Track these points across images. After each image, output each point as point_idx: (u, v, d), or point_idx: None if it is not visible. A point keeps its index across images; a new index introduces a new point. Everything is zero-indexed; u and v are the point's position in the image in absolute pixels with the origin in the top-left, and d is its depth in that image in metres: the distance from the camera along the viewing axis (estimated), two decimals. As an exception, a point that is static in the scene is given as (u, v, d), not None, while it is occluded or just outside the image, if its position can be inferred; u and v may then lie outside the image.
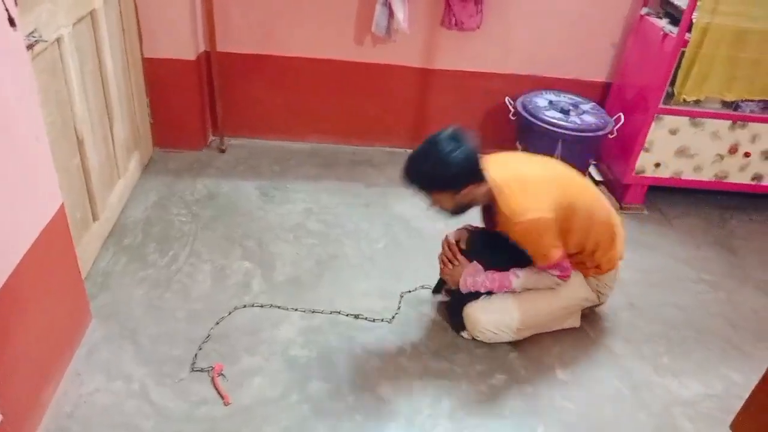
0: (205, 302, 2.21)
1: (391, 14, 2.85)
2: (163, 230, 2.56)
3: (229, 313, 2.16)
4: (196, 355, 1.98)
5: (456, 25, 2.97)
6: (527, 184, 1.95)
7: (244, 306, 2.21)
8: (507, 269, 2.09)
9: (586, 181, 2.17)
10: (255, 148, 3.26)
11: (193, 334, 2.06)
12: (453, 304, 2.25)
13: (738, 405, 1.44)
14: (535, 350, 2.17)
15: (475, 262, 2.12)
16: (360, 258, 2.53)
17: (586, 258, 2.12)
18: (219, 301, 2.22)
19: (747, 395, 1.40)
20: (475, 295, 2.13)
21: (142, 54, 2.84)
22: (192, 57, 2.91)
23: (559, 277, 2.07)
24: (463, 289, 2.11)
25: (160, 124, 3.05)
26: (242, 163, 3.13)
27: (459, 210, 2.00)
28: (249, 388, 1.90)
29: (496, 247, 2.09)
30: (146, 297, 2.20)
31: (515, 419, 1.91)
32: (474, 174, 1.90)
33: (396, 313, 2.25)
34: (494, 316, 2.09)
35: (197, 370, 1.93)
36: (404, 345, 2.13)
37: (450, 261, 2.16)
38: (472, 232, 2.22)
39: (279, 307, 2.22)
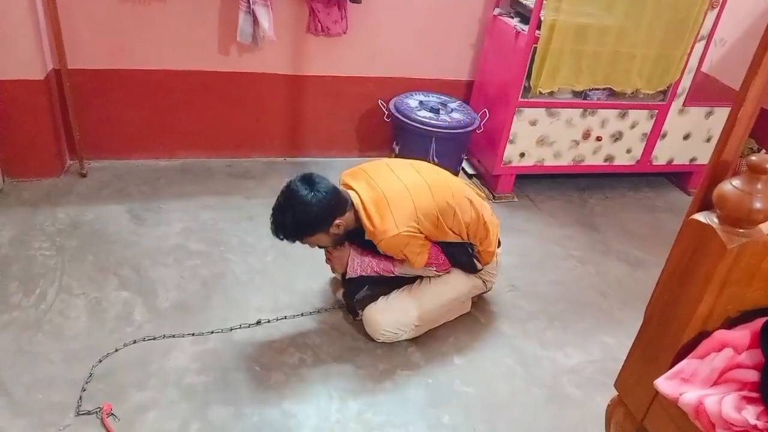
0: (83, 340, 2.04)
1: (255, 22, 2.80)
2: (25, 267, 2.32)
3: (116, 350, 2.01)
4: (80, 397, 1.82)
5: (322, 30, 2.98)
6: (389, 201, 2.02)
7: (135, 341, 2.05)
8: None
9: (456, 182, 2.27)
10: (120, 170, 3.05)
11: (73, 376, 1.89)
12: (348, 289, 2.28)
13: (614, 366, 1.58)
14: (432, 342, 2.23)
15: (355, 245, 2.18)
16: (249, 273, 2.46)
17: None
18: (98, 337, 2.06)
19: (621, 356, 1.54)
20: (360, 285, 2.25)
21: (-21, 76, 2.56)
22: (40, 76, 2.67)
23: (437, 270, 2.20)
24: (351, 273, 2.15)
25: (9, 151, 2.76)
26: (107, 186, 2.92)
27: (339, 241, 2.08)
28: (144, 425, 1.78)
29: None
30: (14, 343, 1.99)
31: (421, 411, 1.96)
32: (337, 208, 1.98)
33: (296, 314, 2.24)
34: (393, 317, 2.13)
35: (83, 413, 1.77)
36: (305, 354, 2.11)
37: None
38: None
39: (167, 336, 2.10)
